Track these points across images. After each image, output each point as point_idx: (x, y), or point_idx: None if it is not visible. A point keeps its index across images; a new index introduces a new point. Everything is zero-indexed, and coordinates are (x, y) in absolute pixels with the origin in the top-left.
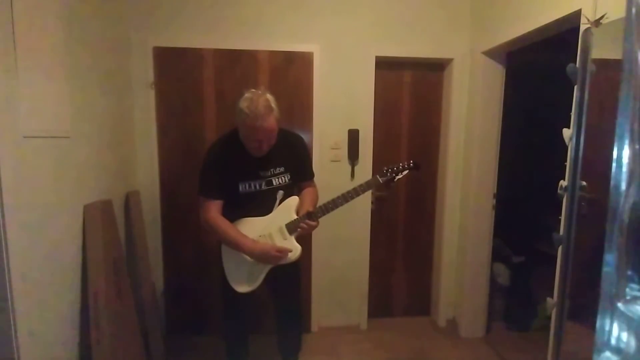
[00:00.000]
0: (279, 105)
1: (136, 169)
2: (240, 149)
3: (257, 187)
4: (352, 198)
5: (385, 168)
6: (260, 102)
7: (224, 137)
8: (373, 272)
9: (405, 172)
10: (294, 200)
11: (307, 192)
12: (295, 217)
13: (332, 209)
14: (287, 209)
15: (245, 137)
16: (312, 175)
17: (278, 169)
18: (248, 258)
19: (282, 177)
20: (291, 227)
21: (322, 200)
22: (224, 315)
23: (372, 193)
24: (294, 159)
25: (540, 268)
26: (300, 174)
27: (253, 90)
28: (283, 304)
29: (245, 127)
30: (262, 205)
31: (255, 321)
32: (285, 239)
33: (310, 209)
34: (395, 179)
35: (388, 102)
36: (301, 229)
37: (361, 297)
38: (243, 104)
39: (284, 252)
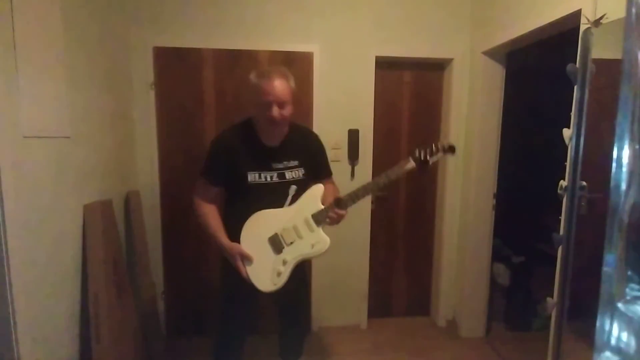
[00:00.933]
0: None
1: (136, 169)
2: (253, 137)
3: (269, 178)
4: (384, 184)
5: (418, 150)
6: (275, 68)
7: (237, 124)
8: (373, 272)
9: (439, 155)
10: (318, 188)
11: (329, 185)
12: (322, 207)
13: (363, 196)
14: (312, 198)
15: (259, 108)
16: (330, 172)
17: (292, 162)
18: (272, 254)
19: (296, 171)
20: (318, 218)
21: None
22: (220, 318)
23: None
24: (309, 154)
25: (540, 268)
26: (317, 170)
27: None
28: (290, 307)
29: (258, 92)
30: (274, 200)
31: (252, 323)
32: (312, 231)
33: (339, 197)
34: (430, 162)
35: (388, 102)
36: (330, 219)
37: (361, 297)
38: (256, 70)
39: (246, 258)
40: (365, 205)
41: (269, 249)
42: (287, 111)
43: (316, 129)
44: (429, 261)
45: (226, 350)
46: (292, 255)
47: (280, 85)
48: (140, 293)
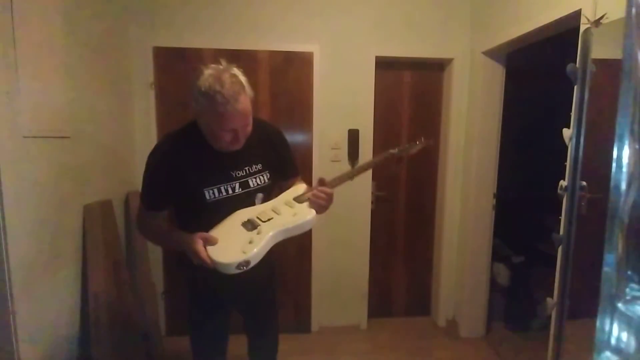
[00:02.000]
0: (279, 106)
1: (136, 169)
2: (201, 146)
3: (230, 191)
4: (369, 167)
5: (397, 147)
6: (227, 79)
7: (178, 131)
8: (373, 272)
9: (418, 148)
10: (301, 186)
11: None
12: (304, 191)
13: (348, 179)
14: (294, 189)
15: (213, 130)
16: (297, 170)
17: (254, 166)
18: (245, 232)
19: (261, 177)
20: (301, 199)
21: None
22: (192, 347)
23: (372, 193)
24: (272, 153)
25: (540, 268)
26: (283, 170)
27: (213, 65)
28: (254, 322)
29: (212, 115)
30: None
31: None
32: (293, 207)
33: (322, 178)
34: (412, 151)
35: (388, 102)
36: (314, 196)
37: (361, 297)
38: (204, 83)
39: (209, 241)
40: (365, 205)
41: (241, 229)
42: (250, 126)
43: (316, 128)
44: (429, 261)
45: None
46: (269, 227)
47: (242, 108)
48: (140, 293)
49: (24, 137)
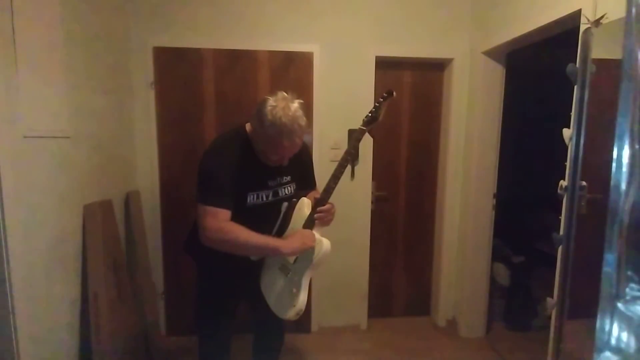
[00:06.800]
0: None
1: (136, 169)
2: (251, 154)
3: (264, 198)
4: (349, 161)
5: (365, 116)
6: (295, 113)
7: (231, 138)
8: (373, 272)
9: (384, 106)
10: (303, 203)
11: (313, 195)
12: (307, 214)
13: (336, 183)
14: (299, 212)
15: (267, 149)
16: (315, 184)
17: (285, 178)
18: (283, 280)
19: (288, 187)
20: (308, 225)
21: None
22: (201, 328)
23: (372, 193)
24: (300, 167)
25: (540, 268)
26: (305, 183)
27: (281, 95)
28: (263, 317)
29: (274, 140)
30: (267, 220)
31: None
32: None
33: (317, 196)
34: (380, 117)
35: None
36: (319, 219)
37: (361, 297)
38: (276, 113)
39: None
40: (365, 205)
41: (280, 276)
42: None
43: (316, 128)
44: (429, 261)
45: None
46: (299, 271)
47: (302, 139)
48: (140, 293)
49: (24, 137)
